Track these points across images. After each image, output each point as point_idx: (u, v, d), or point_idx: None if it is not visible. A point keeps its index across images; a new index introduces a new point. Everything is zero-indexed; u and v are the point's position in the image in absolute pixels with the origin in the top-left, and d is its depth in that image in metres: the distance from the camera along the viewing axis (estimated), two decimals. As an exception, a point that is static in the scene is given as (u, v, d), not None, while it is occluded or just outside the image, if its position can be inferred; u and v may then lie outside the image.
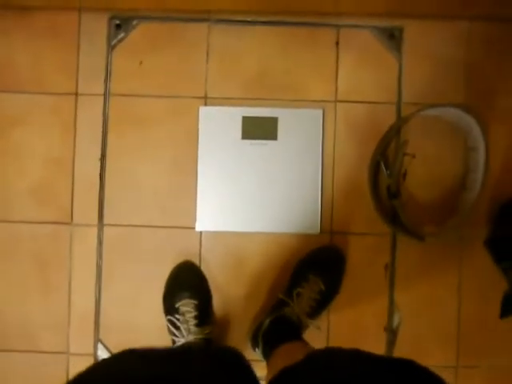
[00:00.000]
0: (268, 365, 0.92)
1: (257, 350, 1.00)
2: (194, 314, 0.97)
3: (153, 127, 1.07)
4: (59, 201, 1.07)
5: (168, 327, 0.99)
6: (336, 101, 1.06)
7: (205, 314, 1.00)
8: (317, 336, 1.02)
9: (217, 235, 1.06)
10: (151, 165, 1.07)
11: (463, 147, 1.05)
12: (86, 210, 1.07)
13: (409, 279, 1.06)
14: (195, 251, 1.06)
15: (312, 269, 1.02)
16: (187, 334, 0.95)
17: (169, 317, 0.99)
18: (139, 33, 1.07)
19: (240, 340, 1.06)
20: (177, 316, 0.97)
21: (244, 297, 1.07)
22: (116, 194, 1.07)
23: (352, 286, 1.05)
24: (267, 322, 0.99)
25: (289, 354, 0.87)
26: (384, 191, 1.04)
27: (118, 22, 1.07)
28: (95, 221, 1.07)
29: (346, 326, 1.06)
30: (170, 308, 1.00)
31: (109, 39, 1.07)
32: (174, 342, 0.97)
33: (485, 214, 1.04)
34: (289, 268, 1.05)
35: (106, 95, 1.07)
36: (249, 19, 1.06)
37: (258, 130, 1.05)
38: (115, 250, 1.07)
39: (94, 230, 1.07)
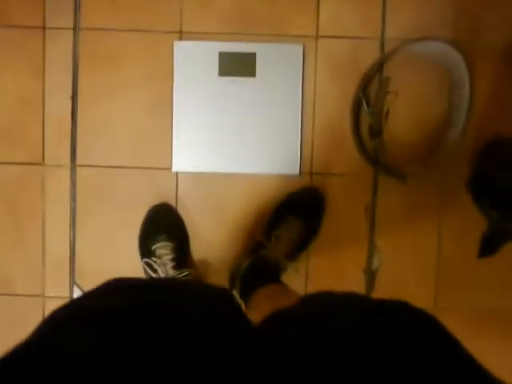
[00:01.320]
0: (248, 306, 0.91)
1: (234, 291, 0.99)
2: (171, 256, 0.95)
3: (126, 63, 1.02)
4: (29, 141, 1.03)
5: (145, 270, 0.97)
6: (317, 36, 1.01)
7: (182, 256, 0.98)
8: (295, 278, 1.01)
9: (194, 177, 1.03)
10: (125, 103, 1.02)
11: (448, 85, 1.02)
12: (58, 150, 1.03)
13: (389, 221, 1.05)
14: (171, 193, 1.04)
15: (291, 210, 1.00)
16: (164, 275, 0.94)
17: (145, 259, 0.97)
18: (109, -39, 1.01)
19: (219, 283, 1.05)
20: (153, 259, 0.95)
21: (223, 239, 1.05)
22: (89, 134, 1.03)
23: (332, 227, 1.04)
24: (245, 263, 0.97)
25: (271, 297, 0.86)
26: (366, 130, 1.01)
27: (86, -51, 1.00)
28: (67, 162, 1.03)
29: (325, 269, 1.05)
30: (146, 251, 0.98)
31: (77, -32, 1.01)
32: None
33: (467, 154, 1.02)
34: (268, 210, 1.03)
35: (76, 29, 1.02)
36: None
37: (236, 66, 1.01)
38: (89, 191, 1.04)
39: (67, 171, 1.03)
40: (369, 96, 1.00)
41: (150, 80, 1.02)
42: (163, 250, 0.96)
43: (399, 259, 1.05)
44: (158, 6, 1.01)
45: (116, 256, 1.04)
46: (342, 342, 0.43)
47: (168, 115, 1.02)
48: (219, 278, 1.05)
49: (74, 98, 1.02)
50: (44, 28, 1.01)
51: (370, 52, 1.01)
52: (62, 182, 1.03)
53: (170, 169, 1.03)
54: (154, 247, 0.96)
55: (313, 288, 1.03)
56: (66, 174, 1.03)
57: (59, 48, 1.02)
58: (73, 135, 1.03)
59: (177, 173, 1.03)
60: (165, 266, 0.94)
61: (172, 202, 1.03)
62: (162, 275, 0.94)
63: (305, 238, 1.00)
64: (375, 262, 1.05)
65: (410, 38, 1.00)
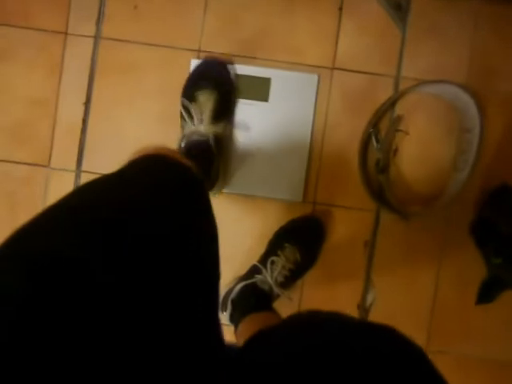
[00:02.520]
0: (236, 331, 0.90)
1: (224, 313, 0.98)
2: (212, 106, 0.92)
3: (142, 75, 1.03)
4: (38, 142, 1.03)
5: (181, 111, 0.93)
6: (333, 68, 1.02)
7: (223, 109, 0.95)
8: (288, 307, 0.99)
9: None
10: (137, 114, 1.03)
11: (458, 129, 1.02)
12: (65, 154, 1.04)
13: (388, 258, 1.04)
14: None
15: (290, 238, 0.99)
16: (199, 123, 0.90)
17: (184, 99, 0.93)
18: (137, -25, 1.03)
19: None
20: (193, 104, 0.92)
21: (222, 260, 1.04)
22: (97, 141, 1.04)
23: (329, 259, 1.03)
24: (238, 287, 0.96)
25: (259, 322, 0.85)
26: (373, 165, 1.00)
27: (115, -39, 1.02)
28: (73, 166, 1.03)
29: (318, 300, 1.04)
30: (188, 94, 0.94)
31: (104, -21, 1.03)
32: (182, 127, 0.92)
33: (472, 199, 1.01)
34: (267, 235, 1.02)
35: (97, 38, 1.03)
36: (252, -27, 1.02)
37: (250, 89, 1.01)
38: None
39: (72, 176, 1.04)
40: (379, 132, 1.00)
41: (164, 94, 1.03)
42: (205, 97, 0.93)
43: (394, 298, 1.04)
44: (180, 22, 1.03)
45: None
46: (316, 357, 0.42)
47: (178, 130, 1.02)
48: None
49: (87, 105, 1.03)
50: (66, 33, 1.03)
51: (384, 89, 1.02)
52: (65, 185, 1.04)
53: (174, 184, 1.02)
54: (197, 93, 0.93)
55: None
56: (70, 178, 1.04)
57: (78, 54, 1.03)
58: (81, 141, 1.03)
59: (180, 188, 1.03)
60: (201, 115, 0.91)
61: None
62: (197, 121, 0.90)
63: (301, 267, 0.99)
64: (370, 299, 1.04)
65: (425, 78, 1.01)
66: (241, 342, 0.73)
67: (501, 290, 0.94)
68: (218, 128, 0.92)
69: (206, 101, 0.92)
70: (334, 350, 0.43)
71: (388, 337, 0.45)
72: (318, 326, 0.49)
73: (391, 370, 0.40)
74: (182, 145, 0.90)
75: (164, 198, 0.49)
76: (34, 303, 0.32)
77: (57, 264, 0.35)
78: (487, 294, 0.93)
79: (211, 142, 0.90)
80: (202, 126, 0.90)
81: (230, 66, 1.00)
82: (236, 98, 1.00)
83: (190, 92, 0.94)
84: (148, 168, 0.55)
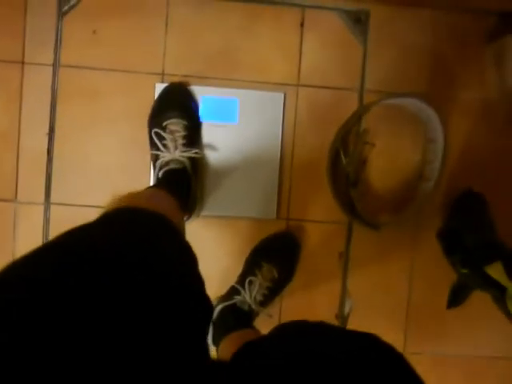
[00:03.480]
0: (218, 351, 0.91)
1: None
2: (182, 133, 0.92)
3: (105, 102, 1.01)
4: (2, 176, 1.01)
5: (152, 141, 0.93)
6: (298, 85, 1.03)
7: (194, 134, 0.96)
8: (268, 323, 1.01)
9: (170, 218, 1.03)
10: (103, 142, 1.01)
11: (423, 138, 1.05)
12: (31, 187, 1.01)
13: (362, 267, 1.07)
14: (147, 234, 1.03)
15: (266, 256, 1.01)
16: (174, 149, 0.90)
17: (156, 129, 0.92)
18: None
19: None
20: (165, 134, 0.91)
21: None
22: (64, 171, 1.01)
23: (306, 272, 1.05)
24: (218, 309, 0.97)
25: (240, 339, 0.86)
26: (343, 179, 1.02)
27: (69, -14, 0.99)
28: (41, 199, 1.01)
29: (297, 313, 1.06)
30: (157, 123, 0.94)
31: (59, 5, 0.99)
32: (156, 158, 0.92)
33: (439, 205, 1.05)
34: (244, 253, 1.03)
35: (56, 66, 1.00)
36: (211, -7, 1.01)
37: (218, 111, 1.01)
38: (63, 230, 1.01)
39: (41, 209, 1.01)
40: (347, 146, 1.02)
41: (130, 119, 1.01)
42: (175, 126, 0.93)
43: (371, 304, 1.07)
44: (142, 45, 1.01)
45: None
46: (301, 363, 0.44)
47: (147, 155, 1.01)
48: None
49: (51, 134, 1.01)
50: (23, 63, 1.00)
51: (349, 102, 1.04)
52: (34, 219, 1.01)
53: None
54: (165, 123, 0.92)
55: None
56: (39, 211, 1.01)
57: (37, 83, 1.00)
58: (48, 172, 1.01)
59: (153, 214, 1.02)
60: (175, 142, 0.91)
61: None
62: (172, 149, 0.90)
63: (279, 284, 1.01)
64: (347, 308, 1.06)
65: (388, 89, 1.03)
66: (224, 359, 0.74)
67: (469, 293, 0.98)
68: (193, 153, 0.92)
69: (177, 128, 0.92)
70: (317, 357, 0.44)
71: (369, 343, 0.47)
72: (303, 335, 0.51)
73: (373, 374, 0.42)
74: (160, 175, 0.90)
75: (139, 248, 0.49)
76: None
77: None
78: (456, 298, 0.97)
79: (188, 168, 0.91)
80: (178, 154, 0.90)
81: (193, 89, 1.00)
82: (203, 121, 1.00)
83: (159, 122, 0.94)
84: (121, 221, 0.55)
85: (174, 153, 0.90)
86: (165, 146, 0.91)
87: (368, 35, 1.03)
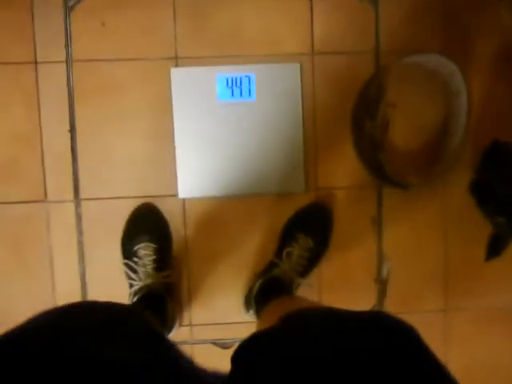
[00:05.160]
0: (259, 318, 0.92)
1: (250, 311, 1.00)
2: (152, 257, 0.95)
3: (123, 92, 1.01)
4: (30, 178, 1.01)
5: (126, 272, 0.96)
6: (313, 53, 1.02)
7: (164, 258, 0.98)
8: (309, 293, 1.02)
9: (200, 202, 1.03)
10: (125, 132, 1.01)
11: (443, 93, 1.03)
12: (60, 185, 1.02)
13: (396, 229, 1.06)
14: (179, 219, 1.03)
15: (300, 228, 1.01)
16: (145, 277, 0.93)
17: (126, 261, 0.96)
18: (98, -9, 0.99)
19: (234, 306, 1.05)
20: (135, 259, 0.95)
21: (233, 263, 1.05)
22: (90, 167, 1.02)
23: (340, 240, 1.05)
24: (257, 284, 0.97)
25: (277, 310, 0.87)
26: (368, 144, 1.02)
27: (73, -21, 0.99)
28: (71, 196, 1.02)
29: (337, 281, 1.06)
30: (127, 251, 0.97)
31: (65, 0, 0.99)
32: (131, 285, 0.95)
33: (467, 159, 1.04)
34: (277, 230, 1.03)
35: (69, 62, 1.00)
36: (215, -30, 1.00)
37: (234, 89, 1.00)
38: (95, 224, 1.03)
39: (71, 206, 1.02)
40: (369, 109, 1.01)
41: (149, 108, 1.01)
42: (145, 250, 0.95)
43: (408, 266, 1.07)
44: (151, 33, 1.00)
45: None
46: (315, 355, 0.44)
47: (170, 142, 1.01)
48: (233, 301, 1.05)
49: (72, 132, 1.01)
50: (36, 63, 0.99)
51: (365, 65, 1.03)
52: (66, 217, 1.02)
53: (176, 195, 1.02)
54: (136, 248, 0.95)
55: (327, 301, 1.04)
56: (70, 208, 1.02)
57: (53, 82, 1.00)
58: (74, 169, 1.02)
59: (183, 199, 1.03)
60: (145, 267, 0.94)
61: (180, 229, 1.03)
62: (143, 276, 0.93)
63: (315, 254, 1.01)
64: (385, 271, 1.07)
65: (403, 50, 1.01)
66: (264, 326, 0.74)
67: (507, 242, 0.98)
68: (165, 276, 0.94)
69: (147, 252, 0.95)
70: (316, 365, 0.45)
71: (376, 320, 0.48)
72: (313, 325, 0.52)
73: (381, 349, 0.43)
74: (134, 300, 0.92)
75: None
76: None
77: None
78: (495, 249, 0.97)
79: (161, 291, 0.93)
80: (150, 280, 0.92)
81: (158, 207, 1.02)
82: (172, 242, 1.02)
83: (129, 249, 0.96)
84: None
85: (146, 280, 0.92)
86: (136, 273, 0.93)
87: (378, -4, 1.02)
